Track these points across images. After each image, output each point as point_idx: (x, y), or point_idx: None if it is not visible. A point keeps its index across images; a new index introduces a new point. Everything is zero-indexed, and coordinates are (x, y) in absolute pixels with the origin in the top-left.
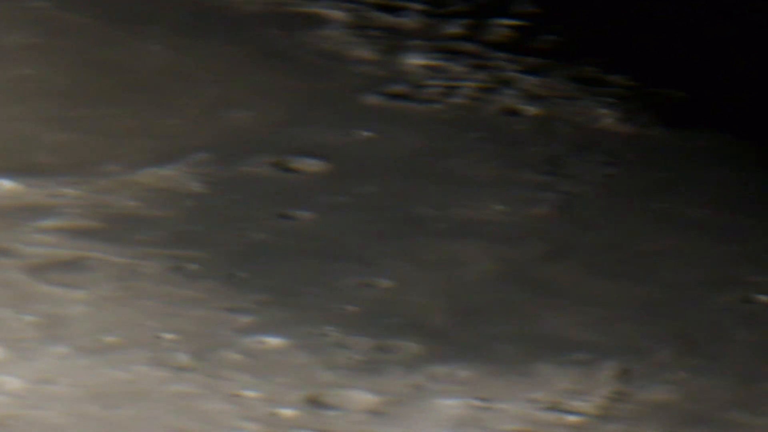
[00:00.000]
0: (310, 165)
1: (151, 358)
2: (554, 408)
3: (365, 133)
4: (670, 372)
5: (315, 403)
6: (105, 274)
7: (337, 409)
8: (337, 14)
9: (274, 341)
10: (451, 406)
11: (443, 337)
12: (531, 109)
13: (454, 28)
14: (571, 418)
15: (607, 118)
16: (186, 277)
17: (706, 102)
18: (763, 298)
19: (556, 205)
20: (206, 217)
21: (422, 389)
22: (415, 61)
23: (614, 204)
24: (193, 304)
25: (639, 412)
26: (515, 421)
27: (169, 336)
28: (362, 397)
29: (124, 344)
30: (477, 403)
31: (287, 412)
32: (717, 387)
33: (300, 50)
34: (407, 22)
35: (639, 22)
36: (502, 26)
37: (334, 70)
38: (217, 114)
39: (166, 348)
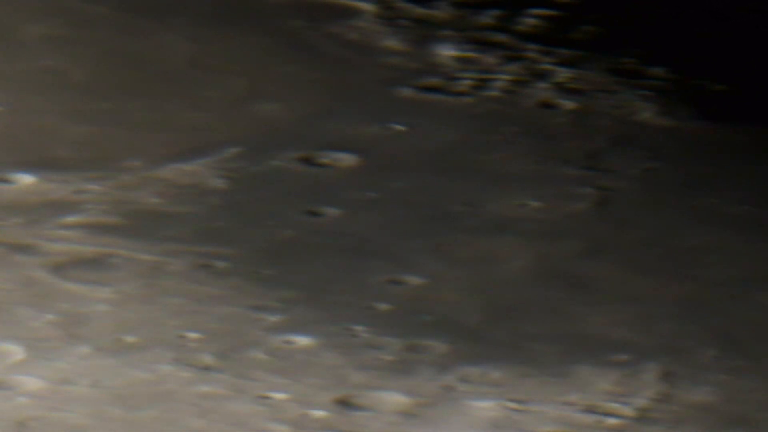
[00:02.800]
0: (340, 159)
1: (176, 358)
2: (592, 410)
3: (396, 127)
4: (712, 373)
5: (345, 404)
6: (128, 272)
7: (368, 411)
8: (366, 5)
9: (302, 341)
10: (484, 407)
11: (477, 336)
12: (567, 103)
13: (486, 19)
14: (611, 421)
15: (645, 111)
16: (212, 274)
17: (748, 95)
18: None
19: (593, 201)
20: (232, 214)
21: (455, 390)
22: (447, 52)
23: (653, 199)
24: (219, 302)
25: (680, 414)
26: (552, 424)
27: (194, 335)
28: (393, 399)
29: (148, 344)
30: (511, 404)
31: (316, 414)
32: (760, 388)
33: (328, 41)
34: (438, 12)
35: (678, 12)
36: (537, 16)
37: (363, 62)
38: (243, 107)
39: (191, 348)
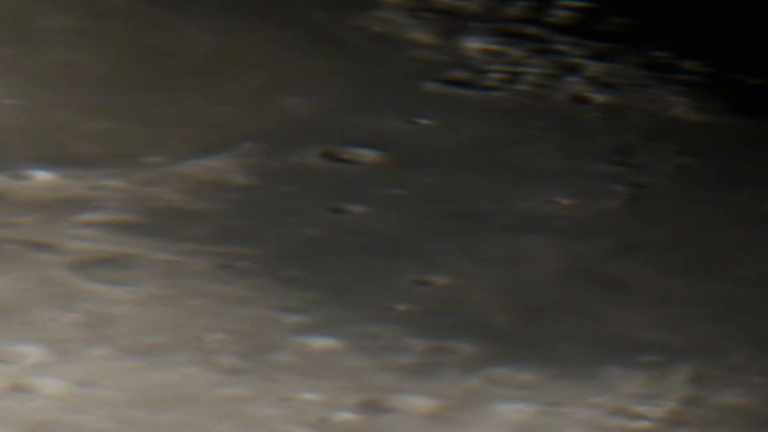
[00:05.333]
0: (365, 155)
1: (199, 360)
2: (622, 413)
3: (423, 122)
4: (744, 374)
5: (370, 406)
6: (149, 272)
7: (394, 414)
8: None
9: (327, 342)
10: (512, 410)
11: (505, 337)
12: (599, 97)
13: (516, 10)
14: (641, 424)
15: (679, 106)
16: (234, 274)
17: None
18: None
19: (625, 198)
20: (255, 211)
21: (482, 393)
22: (475, 45)
23: (687, 196)
24: (242, 302)
25: (712, 417)
26: (581, 427)
27: (217, 336)
28: (420, 401)
29: (170, 345)
30: (540, 407)
31: (341, 417)
32: None
33: (353, 34)
34: (467, 3)
35: (713, 4)
36: (568, 8)
37: (389, 55)
38: (266, 101)
39: (213, 349)
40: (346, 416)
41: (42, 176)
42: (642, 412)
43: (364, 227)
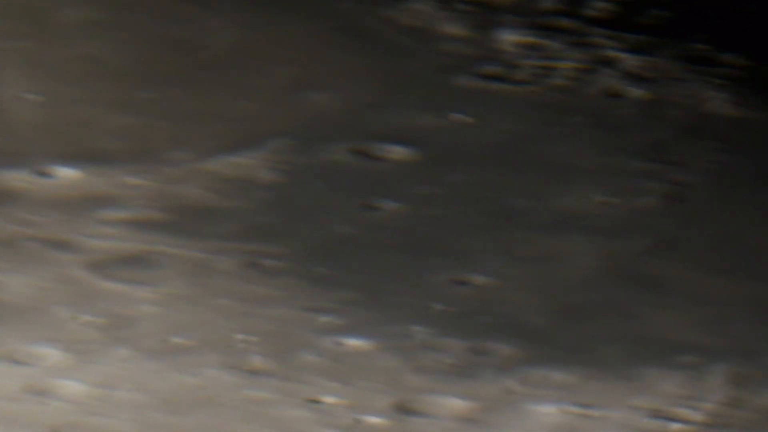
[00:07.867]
0: (396, 152)
1: (224, 362)
2: (661, 415)
3: (456, 117)
4: None
5: (402, 409)
6: (173, 271)
7: (427, 416)
8: None
9: (358, 343)
10: (548, 412)
11: (541, 338)
12: (635, 91)
13: (550, 3)
14: (679, 426)
15: (717, 101)
16: (262, 273)
17: None
18: None
19: (662, 195)
20: (284, 209)
21: (518, 394)
22: (509, 38)
23: (725, 193)
24: (269, 302)
25: (752, 419)
26: (618, 429)
27: (243, 337)
28: (454, 403)
29: (195, 346)
30: (577, 409)
31: (372, 420)
32: None
33: (383, 26)
34: None
35: None
36: (604, 0)
37: (420, 49)
38: (294, 96)
39: (240, 350)
40: (377, 419)
41: (64, 173)
42: (680, 413)
43: (397, 225)
